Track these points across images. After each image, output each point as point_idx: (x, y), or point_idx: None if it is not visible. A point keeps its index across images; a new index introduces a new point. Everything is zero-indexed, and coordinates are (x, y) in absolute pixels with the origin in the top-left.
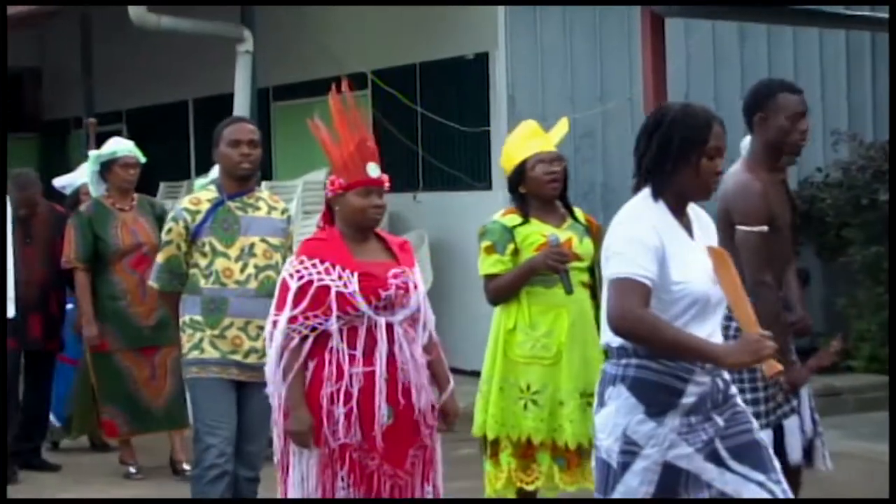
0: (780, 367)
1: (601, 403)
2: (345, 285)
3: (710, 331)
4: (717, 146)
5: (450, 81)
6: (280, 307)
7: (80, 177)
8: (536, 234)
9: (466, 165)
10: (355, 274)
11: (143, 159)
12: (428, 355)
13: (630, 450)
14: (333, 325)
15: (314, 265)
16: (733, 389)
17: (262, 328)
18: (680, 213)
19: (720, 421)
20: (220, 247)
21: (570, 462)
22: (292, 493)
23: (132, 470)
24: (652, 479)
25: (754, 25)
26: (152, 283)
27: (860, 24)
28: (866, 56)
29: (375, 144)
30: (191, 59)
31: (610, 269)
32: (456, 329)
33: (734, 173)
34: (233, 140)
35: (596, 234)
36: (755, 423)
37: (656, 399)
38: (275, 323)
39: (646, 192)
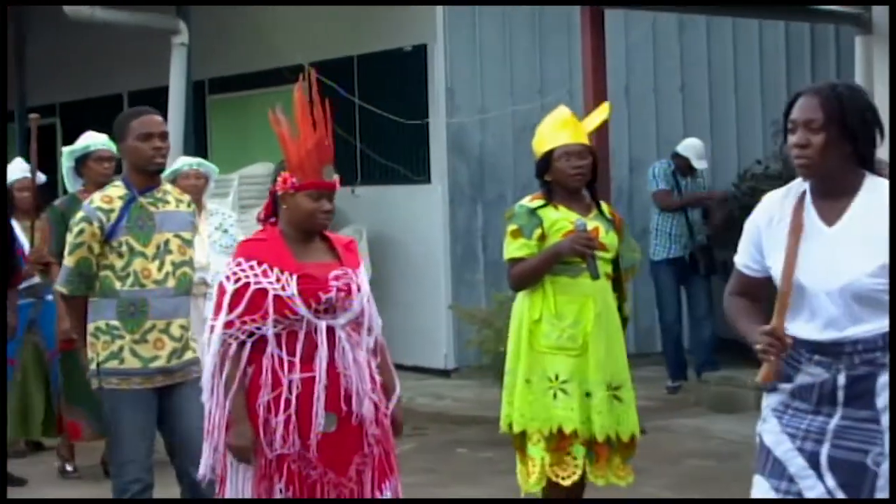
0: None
1: None
2: (283, 288)
3: (809, 319)
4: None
5: (388, 74)
6: (217, 312)
7: (13, 172)
8: (564, 220)
9: (405, 158)
10: (294, 276)
11: (117, 152)
12: (375, 359)
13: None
14: (269, 329)
15: (251, 267)
16: (880, 402)
17: (184, 327)
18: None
19: (833, 422)
20: (137, 246)
21: (600, 455)
22: None
23: (69, 468)
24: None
25: (693, 17)
26: (60, 287)
27: (799, 15)
28: (805, 47)
29: (332, 144)
30: (125, 52)
31: None
32: (394, 324)
33: None
34: (144, 133)
35: (619, 228)
36: (883, 449)
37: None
38: (212, 328)
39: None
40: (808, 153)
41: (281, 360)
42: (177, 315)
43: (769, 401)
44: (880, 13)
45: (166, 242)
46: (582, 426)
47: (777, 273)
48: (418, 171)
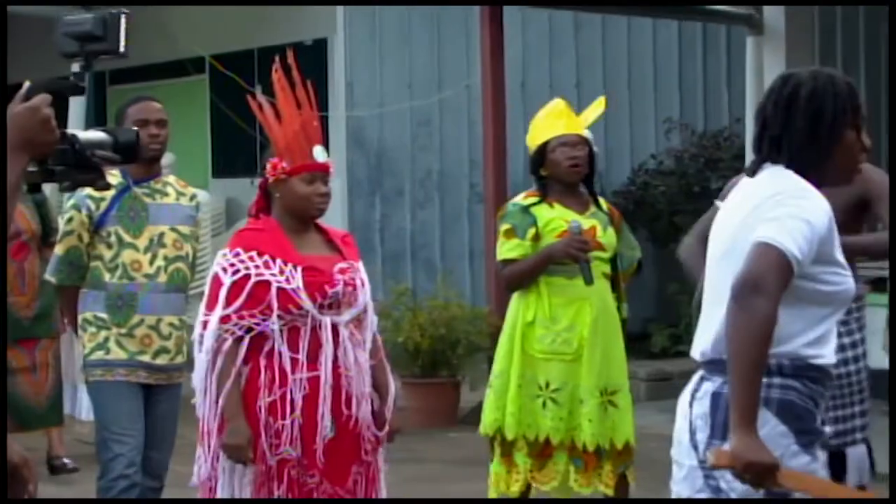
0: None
1: (719, 436)
2: (287, 281)
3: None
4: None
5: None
6: (211, 305)
7: None
8: (559, 219)
9: None
10: (299, 268)
11: None
12: (371, 360)
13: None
14: (274, 325)
15: (251, 258)
16: None
17: (174, 326)
18: None
19: None
20: (126, 237)
21: (588, 464)
22: None
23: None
24: None
25: (589, 16)
26: (50, 276)
27: (692, 15)
28: (698, 46)
29: (320, 125)
30: (27, 43)
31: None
32: None
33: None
34: (140, 119)
35: (618, 224)
36: None
37: (806, 427)
38: (205, 324)
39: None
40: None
41: (285, 357)
42: (167, 311)
43: (818, 462)
44: (771, 14)
45: (161, 235)
46: (569, 433)
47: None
48: None
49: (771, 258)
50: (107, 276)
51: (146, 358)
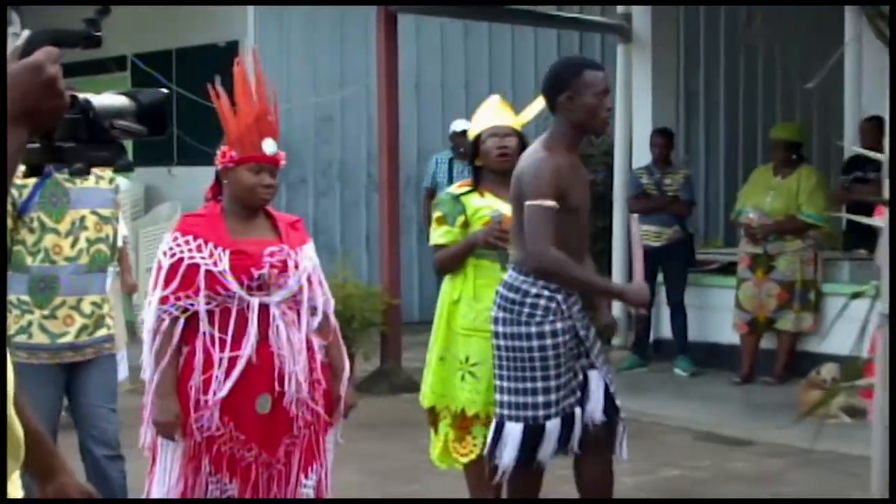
0: None
1: None
2: (214, 263)
3: None
4: None
5: (204, 66)
6: (154, 287)
7: None
8: (487, 208)
9: (217, 143)
10: (227, 251)
11: None
12: (323, 339)
13: None
14: (201, 305)
15: (186, 242)
16: None
17: (96, 304)
18: None
19: None
20: (49, 222)
21: None
22: (156, 487)
23: None
24: None
25: (477, 24)
26: None
27: (569, 25)
28: (575, 52)
29: (276, 120)
30: None
31: None
32: None
33: (529, 153)
34: None
35: None
36: None
37: None
38: (150, 304)
39: None
40: None
41: (213, 337)
42: (88, 291)
43: None
44: (639, 24)
45: (82, 219)
46: (486, 407)
47: None
48: None
49: None
50: (29, 260)
51: (69, 339)
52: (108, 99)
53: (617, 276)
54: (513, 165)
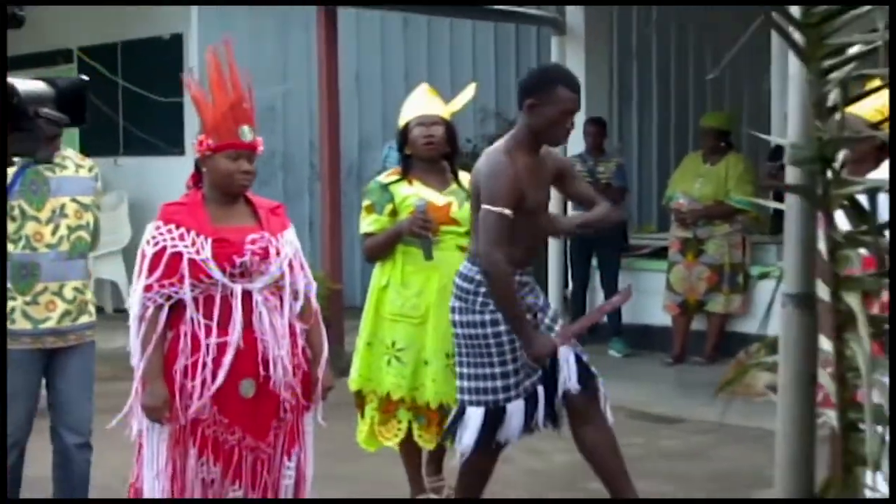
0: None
1: None
2: (197, 252)
3: None
4: None
5: (149, 59)
6: (138, 275)
7: None
8: (415, 196)
9: (162, 133)
10: (209, 239)
11: None
12: (304, 324)
13: None
14: (187, 293)
15: (169, 231)
16: None
17: (77, 290)
18: None
19: None
20: (30, 210)
21: (431, 420)
22: (145, 471)
23: None
24: None
25: (416, 16)
26: None
27: (505, 17)
28: (511, 43)
29: (251, 106)
30: None
31: None
32: None
33: (490, 152)
34: None
35: None
36: None
37: None
38: (134, 292)
39: None
40: None
41: (199, 323)
42: (69, 277)
43: None
44: (573, 17)
45: (62, 207)
46: (411, 392)
47: None
48: (174, 145)
49: None
50: (10, 248)
51: (51, 324)
52: (31, 84)
53: (553, 261)
54: (439, 153)
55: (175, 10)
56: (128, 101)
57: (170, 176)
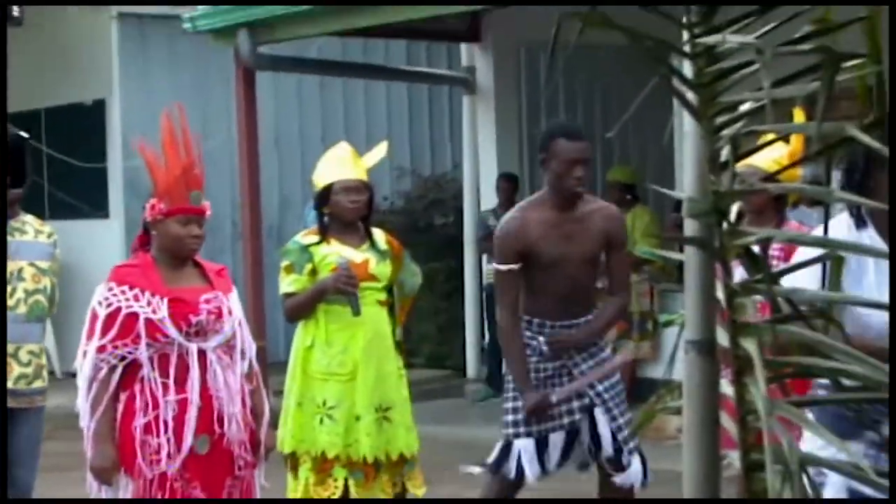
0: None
1: None
2: (153, 311)
3: None
4: None
5: (72, 124)
6: (89, 336)
7: None
8: (334, 254)
9: (87, 197)
10: (165, 300)
11: None
12: (249, 384)
13: None
14: (143, 353)
15: (123, 292)
16: None
17: (33, 353)
18: None
19: None
20: None
21: (368, 475)
22: None
23: None
24: None
25: (332, 78)
26: None
27: (418, 78)
28: (424, 104)
29: (201, 171)
30: None
31: None
32: (74, 342)
33: (512, 209)
34: None
35: (397, 254)
36: None
37: None
38: (84, 353)
39: None
40: None
41: (156, 382)
42: (26, 340)
43: None
44: (482, 77)
45: (20, 270)
46: (346, 449)
47: None
48: (99, 208)
49: None
50: None
51: (7, 384)
52: None
53: (469, 310)
54: (362, 214)
55: (97, 76)
56: (53, 166)
57: (94, 239)
